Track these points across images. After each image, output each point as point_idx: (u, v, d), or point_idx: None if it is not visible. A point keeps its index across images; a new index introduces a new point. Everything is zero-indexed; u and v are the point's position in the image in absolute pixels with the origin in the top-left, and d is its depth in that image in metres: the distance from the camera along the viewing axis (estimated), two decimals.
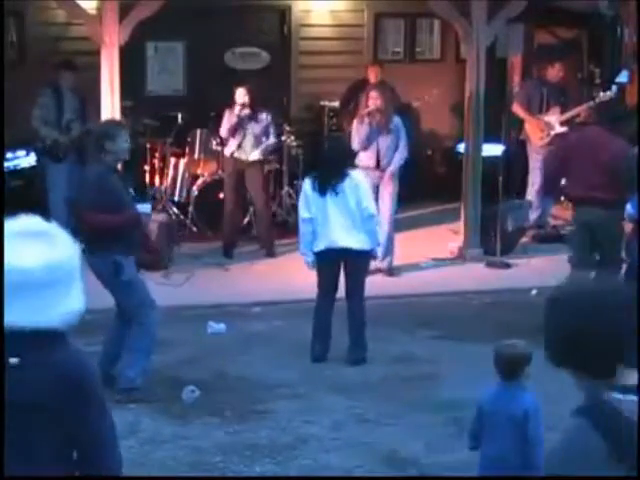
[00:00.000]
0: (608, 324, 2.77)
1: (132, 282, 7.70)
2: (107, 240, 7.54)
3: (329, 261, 8.49)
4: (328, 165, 8.57)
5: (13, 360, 3.26)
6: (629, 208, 8.39)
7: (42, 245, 3.26)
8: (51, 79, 11.53)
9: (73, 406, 3.29)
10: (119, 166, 8.09)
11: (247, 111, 11.29)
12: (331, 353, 8.59)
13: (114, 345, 7.86)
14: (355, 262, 8.58)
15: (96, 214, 7.65)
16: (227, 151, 11.55)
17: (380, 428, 7.25)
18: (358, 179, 8.59)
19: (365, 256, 8.66)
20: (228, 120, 11.40)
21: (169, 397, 7.72)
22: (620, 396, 2.75)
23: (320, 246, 8.50)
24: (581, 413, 2.78)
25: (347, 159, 9.01)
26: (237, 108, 11.28)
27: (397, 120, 10.89)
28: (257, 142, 11.44)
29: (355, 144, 10.63)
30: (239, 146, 11.39)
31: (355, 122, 10.98)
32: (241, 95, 11.30)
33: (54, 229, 3.34)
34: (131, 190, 8.91)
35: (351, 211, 8.42)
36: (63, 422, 3.30)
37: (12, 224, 3.32)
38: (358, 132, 10.76)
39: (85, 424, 3.32)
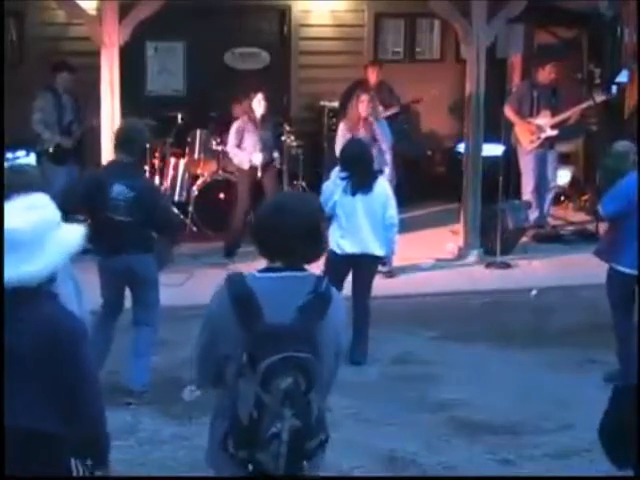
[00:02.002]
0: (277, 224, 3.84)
1: (158, 281, 7.81)
2: (152, 237, 7.67)
3: (347, 264, 8.42)
4: (364, 166, 8.45)
5: None
6: (600, 209, 8.19)
7: (26, 211, 3.67)
8: (48, 81, 11.53)
9: (64, 355, 3.62)
10: None
11: (264, 122, 11.07)
12: None
13: (106, 346, 7.81)
14: (370, 266, 8.60)
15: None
16: (249, 162, 11.09)
17: (379, 428, 7.24)
18: (384, 184, 8.58)
19: (378, 261, 8.78)
20: (251, 134, 11.00)
21: (169, 397, 7.71)
22: None
23: (349, 249, 8.40)
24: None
25: (373, 160, 8.96)
26: (258, 118, 10.93)
27: (380, 124, 10.78)
28: (271, 145, 11.30)
29: (338, 147, 10.11)
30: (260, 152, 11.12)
31: (341, 126, 10.81)
32: (261, 104, 10.95)
33: (39, 199, 3.77)
34: None
35: (376, 214, 8.40)
36: (56, 371, 3.61)
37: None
38: (343, 136, 10.41)
39: (75, 371, 3.65)
